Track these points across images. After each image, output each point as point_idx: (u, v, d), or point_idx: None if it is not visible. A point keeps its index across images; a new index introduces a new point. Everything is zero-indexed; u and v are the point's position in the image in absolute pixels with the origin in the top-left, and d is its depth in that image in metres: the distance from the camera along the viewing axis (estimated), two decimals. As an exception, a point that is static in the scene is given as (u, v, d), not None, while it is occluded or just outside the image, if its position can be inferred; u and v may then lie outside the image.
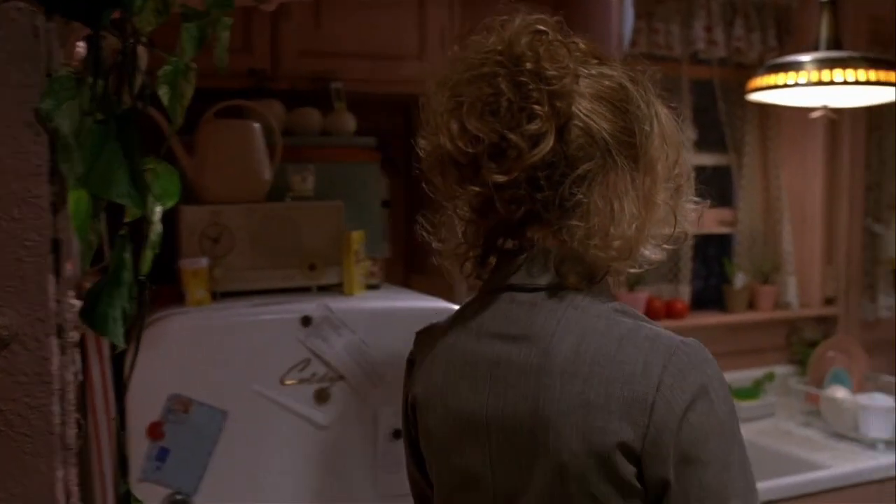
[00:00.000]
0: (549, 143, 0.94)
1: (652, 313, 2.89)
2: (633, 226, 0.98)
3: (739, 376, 3.08)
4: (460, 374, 1.06)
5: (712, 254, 3.30)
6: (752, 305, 3.15)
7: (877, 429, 2.63)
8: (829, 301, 3.23)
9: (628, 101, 0.99)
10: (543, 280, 1.01)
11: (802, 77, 2.48)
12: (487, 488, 1.03)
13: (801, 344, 3.16)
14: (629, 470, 0.92)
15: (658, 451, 0.92)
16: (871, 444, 2.64)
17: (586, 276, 1.00)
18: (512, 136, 0.94)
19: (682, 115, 3.05)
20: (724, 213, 3.23)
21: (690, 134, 3.06)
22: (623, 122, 0.98)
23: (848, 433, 2.73)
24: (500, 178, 0.96)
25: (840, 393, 2.83)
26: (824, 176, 3.23)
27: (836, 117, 2.81)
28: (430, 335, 1.16)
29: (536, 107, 0.94)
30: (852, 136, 3.31)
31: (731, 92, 3.15)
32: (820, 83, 2.48)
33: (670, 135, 1.02)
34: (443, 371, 1.08)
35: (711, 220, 3.21)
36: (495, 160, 0.96)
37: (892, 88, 2.60)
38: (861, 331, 3.42)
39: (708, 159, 3.23)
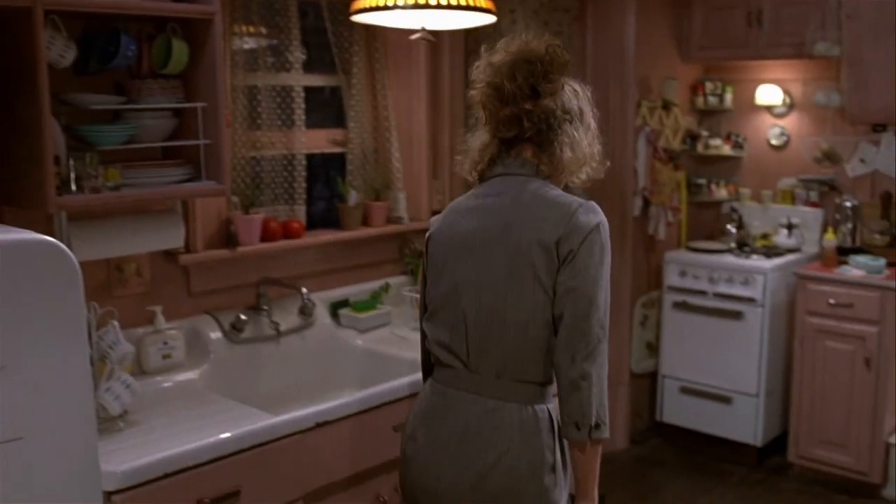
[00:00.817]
0: (552, 101, 1.86)
1: (268, 234, 2.91)
2: (577, 155, 1.90)
3: (358, 289, 3.22)
4: (459, 216, 1.94)
5: (326, 173, 3.38)
6: (366, 222, 3.28)
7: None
8: (435, 213, 3.45)
9: (581, 94, 1.94)
10: (525, 171, 1.89)
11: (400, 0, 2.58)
12: (470, 286, 1.87)
13: (412, 255, 3.36)
14: (554, 248, 1.79)
15: (570, 237, 1.80)
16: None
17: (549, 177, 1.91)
18: (538, 87, 1.84)
19: (292, 36, 3.05)
20: (336, 133, 3.32)
21: (299, 55, 3.08)
22: (578, 103, 1.92)
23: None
24: (528, 105, 1.84)
25: (446, 298, 3.06)
26: (428, 96, 3.42)
27: (435, 40, 2.97)
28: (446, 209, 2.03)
29: (549, 85, 1.85)
30: (451, 59, 3.53)
31: (339, 13, 3.20)
32: (417, 6, 2.60)
33: (593, 111, 1.96)
34: (448, 217, 1.97)
35: (324, 141, 3.28)
36: (527, 98, 1.84)
37: (486, 14, 2.80)
38: (465, 240, 3.71)
39: (319, 80, 3.27)
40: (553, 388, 1.89)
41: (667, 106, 4.62)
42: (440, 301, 1.92)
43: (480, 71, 1.91)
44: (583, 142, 1.90)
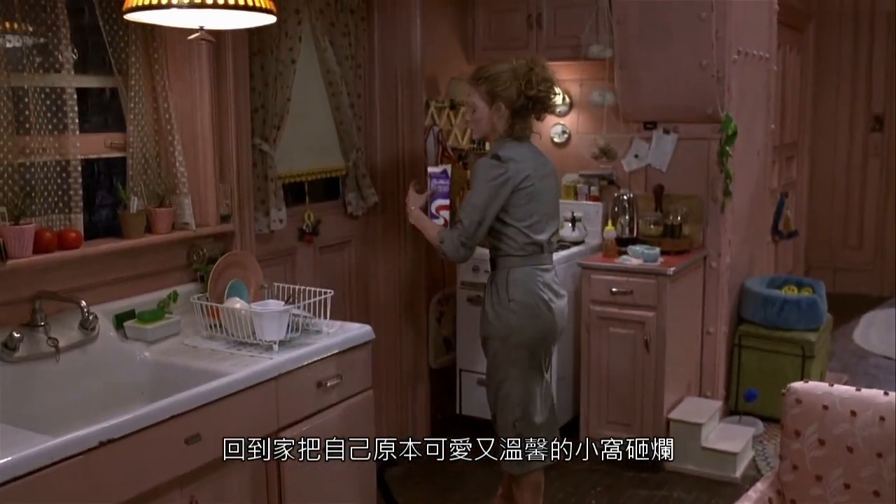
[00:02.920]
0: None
1: (42, 245, 2.73)
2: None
3: (144, 300, 3.08)
4: (534, 162, 3.39)
5: (109, 180, 3.22)
6: (150, 229, 3.15)
7: (270, 332, 2.84)
8: (224, 218, 3.37)
9: None
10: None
11: (176, -2, 2.49)
12: (549, 205, 3.44)
13: (200, 261, 3.26)
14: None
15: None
16: (269, 347, 2.85)
17: None
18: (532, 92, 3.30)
19: (61, 34, 2.88)
20: (114, 137, 3.16)
21: (69, 55, 2.91)
22: None
23: (248, 340, 2.91)
24: (532, 92, 3.26)
25: (238, 304, 3.00)
26: (211, 97, 3.32)
27: (214, 40, 2.89)
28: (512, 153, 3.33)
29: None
30: (235, 59, 3.45)
31: (113, 11, 3.05)
32: (194, 5, 2.52)
33: None
34: (529, 163, 3.35)
35: (101, 145, 3.12)
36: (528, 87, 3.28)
37: (267, 14, 2.75)
38: (257, 243, 3.65)
39: (94, 82, 3.11)
40: None
41: (455, 106, 4.72)
42: (542, 214, 3.36)
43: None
44: None
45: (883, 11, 7.83)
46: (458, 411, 4.82)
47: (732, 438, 4.43)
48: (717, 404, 4.66)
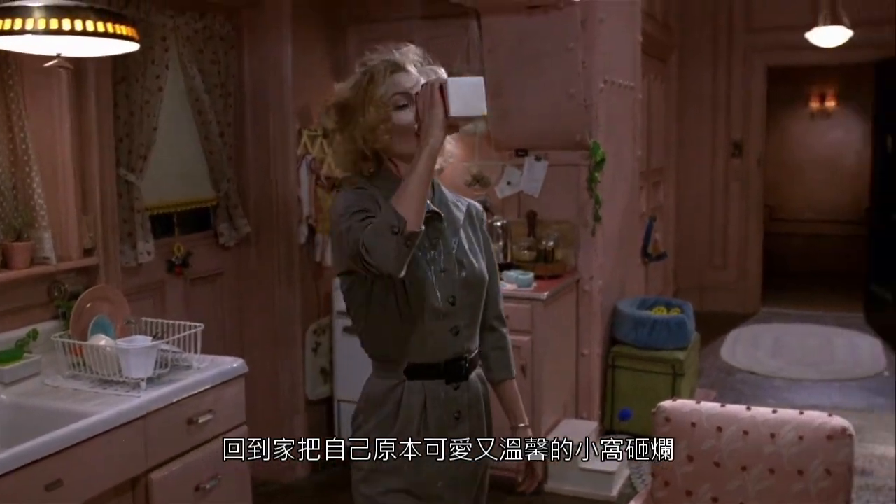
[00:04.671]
0: None
1: None
2: None
3: (1, 339, 2.93)
4: None
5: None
6: (6, 264, 3.00)
7: (137, 369, 2.74)
8: (88, 251, 3.24)
9: None
10: None
11: (30, 24, 2.40)
12: None
13: (62, 297, 3.13)
14: None
15: None
16: (136, 385, 2.75)
17: None
18: None
19: None
20: (-34, 168, 3.01)
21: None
22: None
23: (114, 378, 2.80)
24: None
25: (103, 340, 2.88)
26: (73, 126, 3.20)
27: (71, 67, 2.79)
28: None
29: None
30: (98, 87, 3.33)
31: (-38, 37, 2.91)
32: (50, 31, 2.43)
33: None
34: None
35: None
36: None
37: (129, 42, 2.68)
38: (123, 277, 3.52)
39: (-57, 110, 2.96)
40: None
41: (327, 134, 4.69)
42: None
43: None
44: None
45: (740, 43, 8.24)
46: (337, 443, 4.75)
47: (608, 459, 4.51)
48: (594, 425, 4.75)
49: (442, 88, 1.93)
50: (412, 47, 2.20)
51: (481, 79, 1.97)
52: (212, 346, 3.47)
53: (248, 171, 4.41)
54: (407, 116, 2.06)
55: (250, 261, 4.46)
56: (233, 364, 3.06)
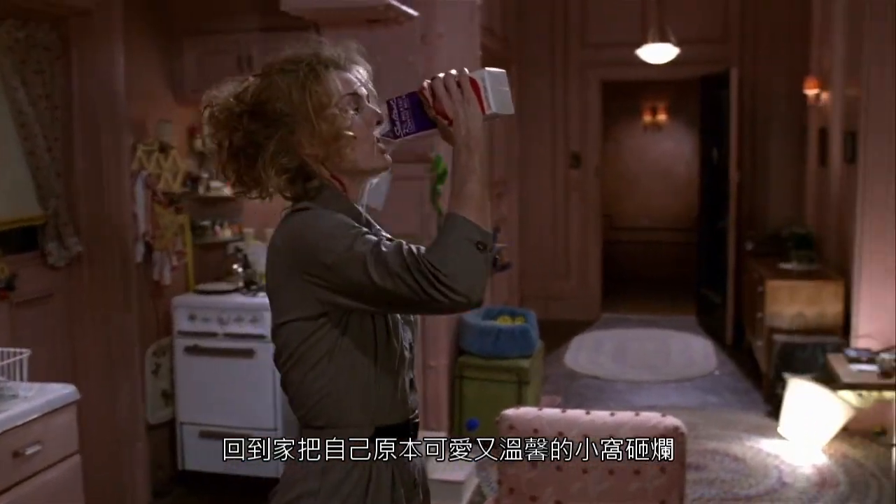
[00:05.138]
0: None
1: None
2: None
3: None
4: None
5: None
6: None
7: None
8: None
9: None
10: None
11: None
12: None
13: None
14: None
15: None
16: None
17: None
18: None
19: None
20: None
21: None
22: None
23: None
24: None
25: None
26: None
27: None
28: None
29: None
30: None
31: None
32: None
33: None
34: None
35: None
36: None
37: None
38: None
39: None
40: None
41: (164, 149, 4.55)
42: None
43: None
44: None
45: (575, 58, 8.52)
46: (180, 467, 4.59)
47: (457, 468, 4.55)
48: (442, 436, 4.78)
49: (473, 81, 1.63)
50: (348, 41, 1.82)
51: (504, 71, 1.70)
52: (41, 373, 3.29)
53: (79, 188, 4.21)
54: (361, 123, 1.71)
55: (83, 281, 4.25)
56: (63, 391, 2.91)
